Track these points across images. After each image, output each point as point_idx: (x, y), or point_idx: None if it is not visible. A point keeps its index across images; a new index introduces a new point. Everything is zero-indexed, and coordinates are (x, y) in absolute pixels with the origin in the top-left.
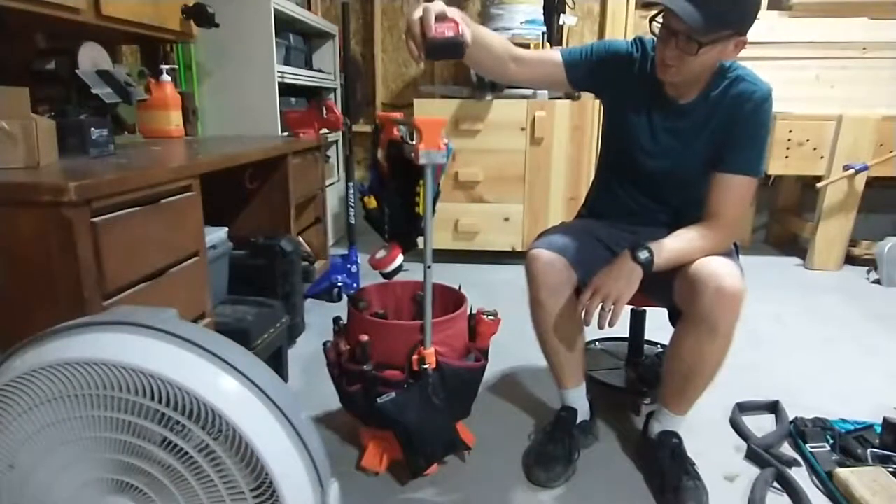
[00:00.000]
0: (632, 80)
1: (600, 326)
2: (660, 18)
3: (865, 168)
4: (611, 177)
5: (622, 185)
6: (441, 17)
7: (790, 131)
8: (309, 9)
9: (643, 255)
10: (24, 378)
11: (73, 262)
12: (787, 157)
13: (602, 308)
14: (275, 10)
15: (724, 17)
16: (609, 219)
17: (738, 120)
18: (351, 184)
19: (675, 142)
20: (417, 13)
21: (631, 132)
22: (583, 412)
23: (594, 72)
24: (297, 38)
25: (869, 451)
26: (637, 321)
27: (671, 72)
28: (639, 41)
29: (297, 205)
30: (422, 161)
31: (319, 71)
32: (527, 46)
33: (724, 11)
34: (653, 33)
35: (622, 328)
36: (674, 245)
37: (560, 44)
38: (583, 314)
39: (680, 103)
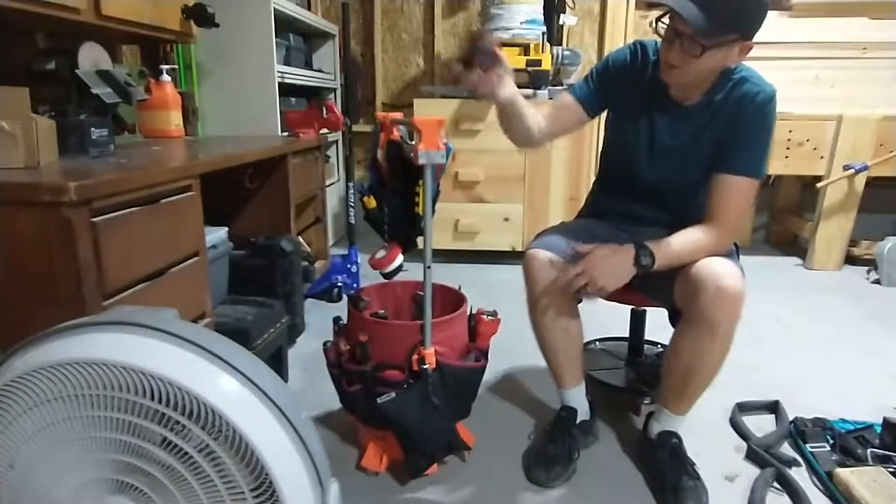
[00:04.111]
0: (633, 84)
1: (577, 293)
2: (665, 19)
3: (865, 168)
4: (612, 182)
5: (623, 190)
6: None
7: (790, 131)
8: (309, 9)
9: (645, 260)
10: (24, 378)
11: (73, 262)
12: (787, 157)
13: (585, 286)
14: (275, 10)
15: (730, 21)
16: (609, 219)
17: (741, 121)
18: (351, 184)
19: (677, 144)
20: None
21: (633, 136)
22: (583, 412)
23: (601, 90)
24: (297, 38)
25: (869, 451)
26: (637, 321)
27: (675, 73)
28: (638, 45)
29: (297, 205)
30: (421, 161)
31: (319, 71)
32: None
33: (729, 16)
34: (658, 34)
35: (622, 328)
36: (674, 246)
37: (560, 44)
38: (562, 277)
39: (684, 105)
